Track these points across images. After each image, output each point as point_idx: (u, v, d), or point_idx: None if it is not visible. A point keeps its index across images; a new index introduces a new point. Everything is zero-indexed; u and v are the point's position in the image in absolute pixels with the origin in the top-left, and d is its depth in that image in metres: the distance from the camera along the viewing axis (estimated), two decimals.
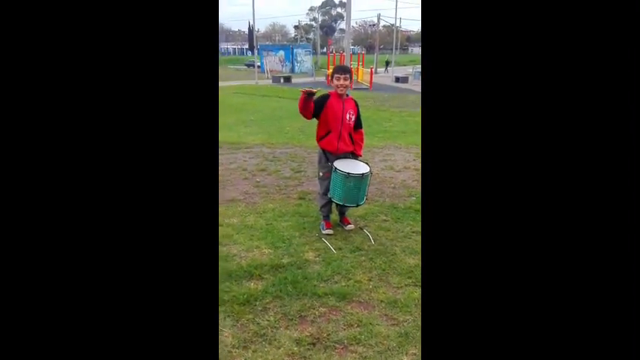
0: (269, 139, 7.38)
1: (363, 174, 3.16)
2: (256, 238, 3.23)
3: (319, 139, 3.35)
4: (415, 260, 2.89)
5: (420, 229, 3.43)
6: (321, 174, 3.39)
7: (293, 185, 4.71)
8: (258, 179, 4.91)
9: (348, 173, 3.12)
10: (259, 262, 2.80)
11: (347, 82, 3.20)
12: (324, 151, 3.35)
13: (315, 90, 3.09)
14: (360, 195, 3.26)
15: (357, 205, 3.33)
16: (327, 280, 2.61)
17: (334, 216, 3.55)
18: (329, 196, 3.31)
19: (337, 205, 3.37)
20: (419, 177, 5.05)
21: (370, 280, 2.63)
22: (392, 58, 34.18)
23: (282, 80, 23.73)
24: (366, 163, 3.35)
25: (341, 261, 2.87)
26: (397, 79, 24.95)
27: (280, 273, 2.68)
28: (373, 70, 21.79)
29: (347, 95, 3.30)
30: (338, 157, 3.31)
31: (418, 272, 2.71)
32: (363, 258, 2.93)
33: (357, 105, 3.36)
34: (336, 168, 3.17)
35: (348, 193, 3.20)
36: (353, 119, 3.32)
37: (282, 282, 2.55)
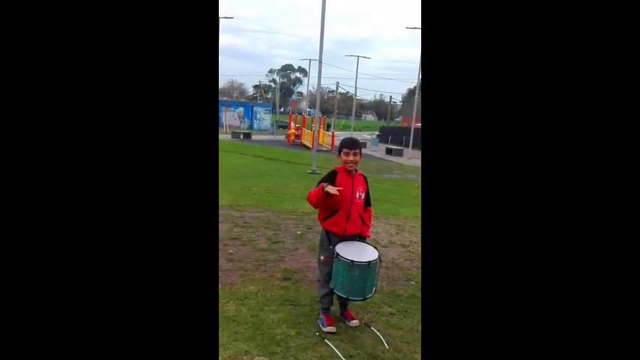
0: (236, 200, 6.77)
1: (370, 262, 2.62)
2: (243, 338, 2.56)
3: (323, 218, 2.84)
4: None
5: None
6: (322, 257, 2.84)
7: (273, 260, 4.10)
8: (231, 250, 4.26)
9: (352, 261, 2.58)
10: None
11: (357, 158, 2.77)
12: (327, 232, 2.83)
13: (337, 190, 2.63)
14: (367, 287, 2.71)
15: (365, 299, 2.77)
16: None
17: (334, 307, 2.97)
18: (330, 286, 2.75)
19: (339, 296, 2.81)
20: (409, 255, 4.63)
21: None
22: (351, 123, 35.22)
23: (241, 136, 23.39)
24: (375, 247, 2.85)
25: None
26: None
27: None
28: (334, 132, 22.08)
29: (356, 171, 2.87)
30: (343, 240, 2.80)
31: None
32: None
33: (366, 181, 2.92)
34: (337, 254, 2.63)
35: (352, 285, 2.63)
36: (363, 197, 2.87)
37: None
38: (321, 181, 2.73)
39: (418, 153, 23.26)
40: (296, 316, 2.92)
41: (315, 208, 2.75)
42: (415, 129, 22.70)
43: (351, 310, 3.00)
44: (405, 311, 3.18)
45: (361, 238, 2.90)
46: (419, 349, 2.62)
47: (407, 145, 22.07)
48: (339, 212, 2.75)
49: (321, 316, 2.85)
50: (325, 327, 2.76)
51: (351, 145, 2.76)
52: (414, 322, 3.01)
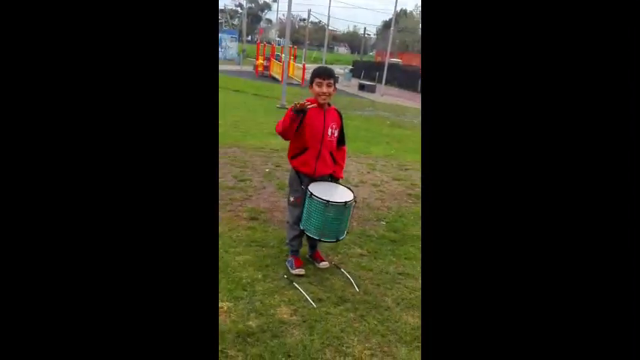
0: None
1: (346, 202, 2.48)
2: None
3: (292, 156, 2.61)
4: (415, 319, 2.31)
5: (405, 269, 2.89)
6: (292, 199, 2.66)
7: (240, 199, 3.91)
8: None
9: (328, 201, 2.43)
10: (218, 327, 2.02)
11: (331, 90, 2.49)
12: (297, 171, 2.62)
13: (309, 105, 2.37)
14: (341, 228, 2.59)
15: (337, 240, 2.66)
16: (317, 358, 1.93)
17: (302, 248, 2.86)
18: (301, 227, 2.60)
19: (309, 237, 2.68)
20: (379, 195, 4.55)
21: (372, 356, 1.99)
22: (322, 56, 33.96)
23: None
24: (349, 188, 2.69)
25: (326, 322, 2.19)
26: None
27: (250, 347, 1.93)
28: (305, 65, 21.19)
29: (329, 105, 2.61)
30: (314, 180, 2.61)
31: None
32: (352, 315, 2.29)
33: (340, 117, 2.68)
34: (311, 194, 2.46)
35: (326, 226, 2.50)
36: (336, 135, 2.64)
37: None
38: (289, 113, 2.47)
39: (391, 89, 22.90)
40: (263, 258, 2.80)
41: (285, 138, 2.50)
42: (389, 64, 22.09)
43: (321, 251, 2.90)
44: (376, 252, 3.12)
45: (333, 179, 2.72)
46: (389, 292, 2.58)
47: (380, 82, 21.58)
48: (309, 150, 2.52)
49: (290, 258, 2.73)
50: (294, 269, 2.65)
51: (325, 74, 2.47)
52: (384, 263, 2.96)
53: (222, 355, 1.85)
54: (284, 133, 2.46)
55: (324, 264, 2.79)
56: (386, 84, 21.05)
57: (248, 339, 1.98)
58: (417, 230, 3.64)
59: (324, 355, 1.94)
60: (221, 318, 2.11)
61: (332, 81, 2.47)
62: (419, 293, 2.58)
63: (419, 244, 3.33)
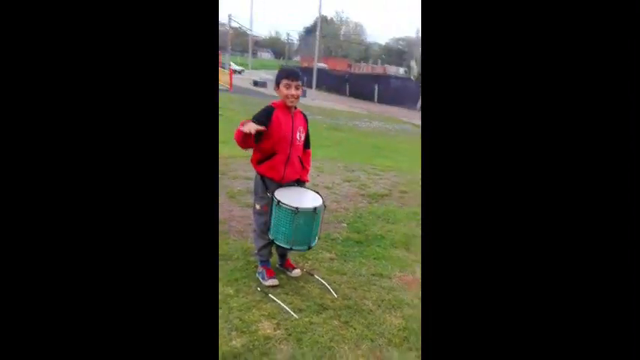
0: None
1: (315, 208, 2.37)
2: None
3: (258, 161, 2.46)
4: (398, 319, 2.28)
5: (377, 269, 2.87)
6: (257, 207, 2.51)
7: None
8: None
9: (297, 208, 2.30)
10: None
11: (299, 92, 2.40)
12: (262, 177, 2.47)
13: (263, 128, 2.24)
14: (312, 234, 2.48)
15: (309, 248, 2.55)
16: None
17: (272, 257, 2.71)
18: (270, 237, 2.46)
19: (279, 246, 2.55)
20: (334, 197, 4.52)
21: None
22: (248, 61, 33.54)
23: None
24: (316, 192, 2.60)
25: (313, 332, 2.08)
26: (255, 83, 24.27)
27: None
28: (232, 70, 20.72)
29: (295, 108, 2.50)
30: (280, 186, 2.49)
31: (412, 337, 2.12)
32: (337, 323, 2.20)
33: (306, 120, 2.58)
34: (279, 201, 2.32)
35: (297, 234, 2.37)
36: (303, 138, 2.54)
37: None
38: (254, 118, 2.33)
39: (322, 94, 23.19)
40: (230, 273, 2.61)
41: (244, 148, 2.36)
42: (319, 69, 22.34)
43: (291, 259, 2.78)
44: (344, 255, 3.06)
45: (300, 183, 2.61)
46: (367, 294, 2.53)
47: (310, 86, 21.75)
48: (277, 155, 2.40)
49: (260, 269, 2.58)
50: (266, 280, 2.50)
51: (293, 75, 2.36)
52: (355, 265, 2.91)
53: None
54: (242, 146, 2.30)
55: (297, 272, 2.68)
56: (316, 88, 21.26)
57: None
58: (378, 229, 3.65)
59: None
60: None
61: (300, 83, 2.37)
62: (397, 293, 2.57)
63: (384, 244, 3.34)
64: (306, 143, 2.60)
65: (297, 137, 2.47)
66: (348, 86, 26.56)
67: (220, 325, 2.05)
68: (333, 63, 40.95)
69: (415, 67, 31.45)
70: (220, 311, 2.18)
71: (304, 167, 2.59)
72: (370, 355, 1.96)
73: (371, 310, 2.35)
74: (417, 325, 2.22)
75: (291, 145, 2.43)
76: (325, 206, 2.51)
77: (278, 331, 2.07)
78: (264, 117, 2.31)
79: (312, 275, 2.70)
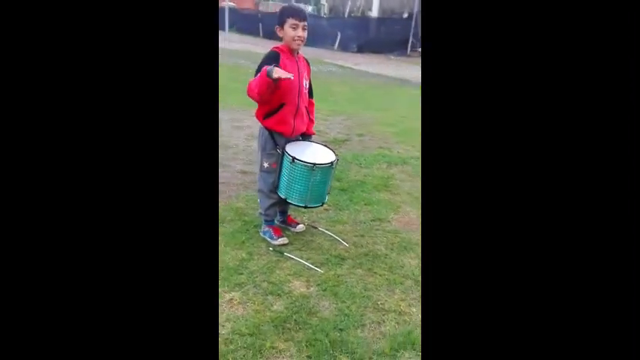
0: None
1: (332, 162, 2.30)
2: None
3: (265, 115, 2.27)
4: (414, 260, 2.37)
5: (374, 214, 2.91)
6: (266, 165, 2.35)
7: None
8: None
9: (314, 164, 2.21)
10: (247, 323, 1.74)
11: (306, 34, 2.21)
12: (271, 132, 2.30)
13: (289, 75, 2.02)
14: (325, 190, 2.42)
15: (322, 204, 2.49)
16: (366, 324, 1.83)
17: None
18: (281, 195, 2.35)
19: (287, 204, 2.46)
20: None
21: (410, 306, 1.98)
22: None
23: None
24: (326, 146, 2.50)
25: (345, 285, 2.09)
26: None
27: (295, 332, 1.73)
28: None
29: (297, 53, 2.31)
30: (289, 141, 2.35)
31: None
32: (361, 271, 2.22)
33: (309, 65, 2.41)
34: (294, 158, 2.20)
35: (313, 191, 2.30)
36: (308, 86, 2.38)
37: (322, 350, 1.64)
38: (261, 65, 2.11)
39: (235, 36, 21.80)
40: (232, 235, 2.48)
41: (260, 102, 2.17)
42: (224, 9, 20.78)
43: (291, 214, 2.71)
44: (336, 204, 3.05)
45: (305, 136, 2.49)
46: (377, 240, 2.58)
47: (222, 29, 20.25)
48: (286, 107, 2.23)
49: (266, 229, 2.48)
50: (275, 239, 2.42)
51: (301, 15, 2.15)
52: (351, 213, 2.93)
53: (273, 351, 1.62)
54: (261, 99, 2.12)
55: (301, 227, 2.62)
56: (228, 30, 19.88)
57: (287, 325, 1.77)
58: (355, 175, 3.67)
59: (369, 317, 1.86)
60: (237, 310, 1.83)
61: (306, 23, 2.17)
62: (402, 235, 2.65)
63: (367, 188, 3.38)
64: (310, 92, 2.44)
65: (304, 85, 2.31)
66: (261, 26, 25.26)
67: (251, 293, 1.97)
68: (239, 1, 38.40)
69: (325, 3, 30.66)
70: (243, 277, 2.08)
71: (310, 118, 2.45)
72: (407, 297, 2.04)
73: (386, 255, 2.41)
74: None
75: (299, 94, 2.26)
76: (339, 159, 2.44)
77: (312, 289, 2.04)
78: (271, 62, 2.10)
79: (316, 228, 2.67)
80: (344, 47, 19.38)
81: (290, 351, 1.64)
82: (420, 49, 15.22)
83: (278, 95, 2.19)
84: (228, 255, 2.27)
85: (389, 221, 2.84)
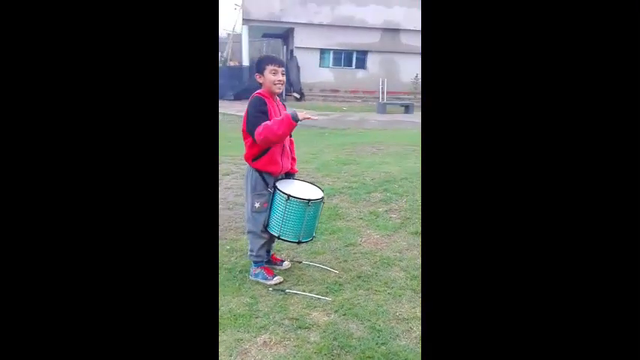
0: None
1: (322, 198, 2.44)
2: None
3: (254, 158, 2.33)
4: (401, 272, 2.59)
5: (342, 236, 3.08)
6: (257, 205, 2.38)
7: None
8: None
9: (309, 200, 2.33)
10: (297, 358, 1.73)
11: (284, 78, 2.35)
12: (261, 173, 2.36)
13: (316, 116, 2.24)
14: (315, 225, 2.54)
15: (312, 239, 2.58)
16: (399, 334, 1.96)
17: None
18: (274, 233, 2.39)
19: (271, 242, 2.51)
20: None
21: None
22: None
23: None
24: (310, 182, 2.63)
25: (359, 306, 2.19)
26: None
27: (344, 355, 1.77)
28: None
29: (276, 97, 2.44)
30: (276, 180, 2.43)
31: (415, 283, 2.48)
32: (362, 292, 2.35)
33: (284, 106, 2.55)
34: (289, 196, 2.29)
35: (307, 226, 2.41)
36: None
37: None
38: (256, 114, 2.20)
39: None
40: (225, 284, 2.41)
41: (270, 145, 2.28)
42: None
43: (275, 253, 2.72)
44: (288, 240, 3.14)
45: (289, 174, 2.57)
46: (359, 262, 2.74)
47: None
48: (274, 148, 2.32)
49: (258, 271, 2.46)
50: (271, 279, 2.43)
51: (278, 62, 2.30)
52: (324, 243, 3.04)
53: None
54: (275, 142, 2.23)
55: (287, 264, 2.66)
56: None
57: (334, 352, 1.81)
58: None
59: (397, 328, 2.00)
60: (279, 351, 1.81)
61: (284, 69, 2.32)
62: (379, 254, 2.86)
63: (321, 220, 3.54)
64: None
65: None
66: None
67: (278, 330, 1.96)
68: None
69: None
70: (261, 320, 2.05)
71: (292, 157, 2.57)
72: (416, 305, 2.23)
73: (376, 273, 2.58)
74: (417, 272, 2.59)
75: None
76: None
77: (332, 316, 2.11)
78: (260, 107, 2.21)
79: (301, 262, 2.73)
80: (221, 96, 19.54)
81: None
82: (294, 94, 16.16)
83: None
84: (232, 303, 2.21)
85: (360, 244, 3.03)
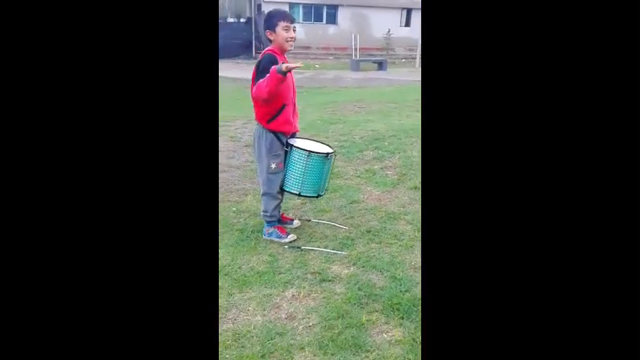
0: None
1: (335, 150, 2.56)
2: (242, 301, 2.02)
3: (269, 120, 2.32)
4: (407, 225, 2.71)
5: (346, 193, 3.16)
6: (273, 166, 2.39)
7: None
8: None
9: (327, 153, 2.44)
10: (329, 308, 1.83)
11: (296, 35, 2.31)
12: (276, 134, 2.36)
13: (301, 64, 2.16)
14: (328, 178, 2.63)
15: (326, 191, 2.69)
16: (418, 281, 2.08)
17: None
18: (294, 191, 2.46)
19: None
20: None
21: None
22: None
23: None
24: (313, 139, 2.70)
25: (375, 258, 2.30)
26: None
27: (372, 304, 1.89)
28: None
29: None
30: (289, 139, 2.47)
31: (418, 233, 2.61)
32: (375, 245, 2.46)
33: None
34: (310, 152, 2.37)
35: (323, 180, 2.53)
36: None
37: (411, 309, 1.85)
38: (262, 68, 2.16)
39: None
40: (240, 245, 2.45)
41: (269, 100, 2.22)
42: None
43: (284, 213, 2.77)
44: (307, 197, 3.20)
45: (293, 134, 2.58)
46: (365, 218, 2.84)
47: None
48: (287, 107, 2.32)
49: (271, 230, 2.52)
50: (285, 238, 2.49)
51: (291, 18, 2.26)
52: (328, 202, 3.10)
53: (374, 321, 1.77)
54: (270, 98, 2.18)
55: (297, 222, 2.72)
56: None
57: (362, 301, 1.92)
58: None
59: (416, 276, 2.12)
60: (310, 303, 1.90)
61: (295, 26, 2.27)
62: (382, 210, 2.97)
63: None
64: None
65: (294, 83, 2.42)
66: None
67: (304, 285, 2.05)
68: None
69: None
70: (284, 275, 2.13)
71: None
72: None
73: (384, 227, 2.69)
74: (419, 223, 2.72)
75: (293, 92, 2.37)
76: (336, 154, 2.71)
77: (352, 268, 2.21)
78: (270, 65, 2.17)
79: (310, 220, 2.80)
80: None
81: (389, 316, 1.82)
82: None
83: (279, 96, 2.27)
84: (252, 262, 2.27)
85: (363, 201, 3.12)
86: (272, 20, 2.26)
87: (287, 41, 2.27)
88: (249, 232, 2.63)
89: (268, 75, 2.11)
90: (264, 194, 2.49)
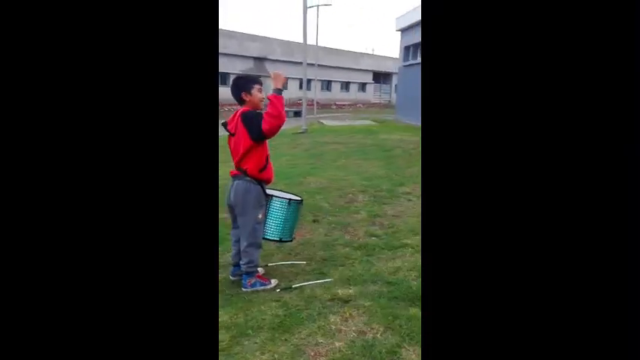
0: None
1: (302, 200, 2.84)
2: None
3: (261, 169, 2.44)
4: (380, 230, 3.13)
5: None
6: (260, 216, 2.50)
7: None
8: None
9: (301, 200, 2.77)
10: (357, 328, 2.08)
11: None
12: (262, 184, 2.49)
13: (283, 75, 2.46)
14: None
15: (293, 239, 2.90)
16: (415, 278, 2.54)
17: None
18: (275, 238, 2.66)
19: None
20: None
21: (407, 270, 2.81)
22: None
23: None
24: (278, 189, 2.99)
25: (378, 271, 2.63)
26: None
27: (394, 310, 2.24)
28: None
29: None
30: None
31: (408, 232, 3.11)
32: (369, 263, 2.78)
33: None
34: (290, 200, 2.63)
35: (295, 224, 2.78)
36: None
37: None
38: (254, 121, 2.32)
39: None
40: (234, 302, 2.33)
41: (278, 128, 2.33)
42: None
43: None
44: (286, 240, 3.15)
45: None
46: (310, 250, 3.09)
47: None
48: (268, 156, 2.50)
49: (254, 281, 2.52)
50: (270, 284, 2.55)
51: (257, 80, 2.53)
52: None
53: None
54: (281, 121, 2.29)
55: (260, 270, 2.74)
56: None
57: (387, 310, 2.24)
58: None
59: (410, 275, 2.58)
60: (364, 318, 2.09)
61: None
62: (310, 240, 3.27)
63: None
64: None
65: None
66: None
67: (339, 311, 2.21)
68: None
69: None
70: (309, 311, 2.22)
71: None
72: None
73: (331, 254, 3.03)
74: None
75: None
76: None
77: (352, 289, 2.47)
78: (260, 118, 2.32)
79: (267, 265, 2.87)
80: None
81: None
82: None
83: (264, 148, 2.45)
84: (264, 314, 2.20)
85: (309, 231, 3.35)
86: (248, 84, 2.47)
87: (261, 101, 2.50)
88: (230, 286, 2.52)
89: (269, 102, 2.28)
90: (249, 245, 2.48)
